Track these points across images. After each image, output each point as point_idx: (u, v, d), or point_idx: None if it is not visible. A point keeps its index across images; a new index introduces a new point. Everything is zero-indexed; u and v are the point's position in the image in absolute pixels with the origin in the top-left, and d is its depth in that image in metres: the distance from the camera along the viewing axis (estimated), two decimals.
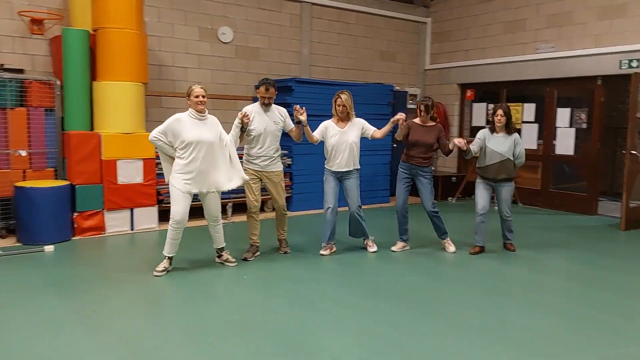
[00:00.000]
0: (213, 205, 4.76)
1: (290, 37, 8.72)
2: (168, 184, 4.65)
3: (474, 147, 5.45)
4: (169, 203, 4.70)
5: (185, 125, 4.52)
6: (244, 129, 4.86)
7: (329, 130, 5.25)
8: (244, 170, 4.93)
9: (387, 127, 5.34)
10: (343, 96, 5.16)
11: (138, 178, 6.22)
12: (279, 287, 4.41)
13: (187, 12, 7.68)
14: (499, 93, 9.36)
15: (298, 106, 4.97)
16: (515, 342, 3.35)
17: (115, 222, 6.13)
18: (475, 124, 9.84)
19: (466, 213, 8.15)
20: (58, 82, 6.00)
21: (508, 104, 9.09)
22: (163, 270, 4.62)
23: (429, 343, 3.31)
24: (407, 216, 5.60)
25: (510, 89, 9.23)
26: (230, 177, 4.72)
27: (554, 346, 3.31)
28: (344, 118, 5.27)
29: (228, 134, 4.80)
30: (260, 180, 5.12)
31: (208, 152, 4.56)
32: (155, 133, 4.57)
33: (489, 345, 3.29)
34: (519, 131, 5.98)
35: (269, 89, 4.96)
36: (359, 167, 5.36)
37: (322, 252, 5.35)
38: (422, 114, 5.40)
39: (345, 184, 5.32)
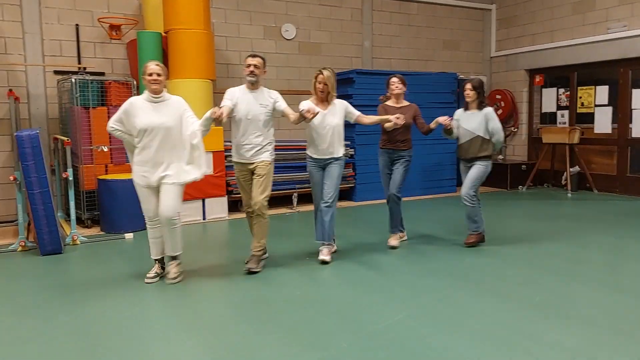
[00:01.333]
0: (167, 201, 3.95)
1: (352, 31, 8.83)
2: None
3: (454, 128, 5.09)
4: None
5: (139, 109, 3.93)
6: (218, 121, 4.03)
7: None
8: (232, 165, 4.46)
9: (377, 118, 4.82)
10: (325, 72, 4.48)
11: (208, 170, 6.55)
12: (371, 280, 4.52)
13: (252, 12, 7.99)
14: (569, 77, 8.99)
15: (307, 109, 4.22)
16: (580, 318, 3.29)
17: (189, 211, 6.50)
18: (545, 109, 9.52)
19: (536, 201, 7.91)
20: (134, 82, 6.45)
21: (580, 87, 8.83)
22: (155, 277, 4.12)
23: (490, 319, 3.31)
24: (400, 203, 5.12)
25: (581, 72, 8.84)
26: (190, 168, 4.06)
27: (621, 322, 3.21)
28: (324, 98, 4.56)
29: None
30: (252, 174, 4.37)
31: (164, 139, 3.92)
32: (111, 122, 4.03)
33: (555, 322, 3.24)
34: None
35: (255, 56, 4.34)
36: (342, 153, 4.67)
37: (321, 256, 4.62)
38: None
39: (329, 171, 4.61)
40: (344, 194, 7.93)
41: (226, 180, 6.77)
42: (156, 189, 4.01)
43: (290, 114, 4.38)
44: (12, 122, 6.23)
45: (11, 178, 5.08)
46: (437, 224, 6.23)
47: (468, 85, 5.01)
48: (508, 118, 9.82)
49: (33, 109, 6.63)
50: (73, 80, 6.08)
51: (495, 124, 4.93)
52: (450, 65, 9.80)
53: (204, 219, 6.62)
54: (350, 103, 7.14)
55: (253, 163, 4.34)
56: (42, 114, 6.68)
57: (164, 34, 6.61)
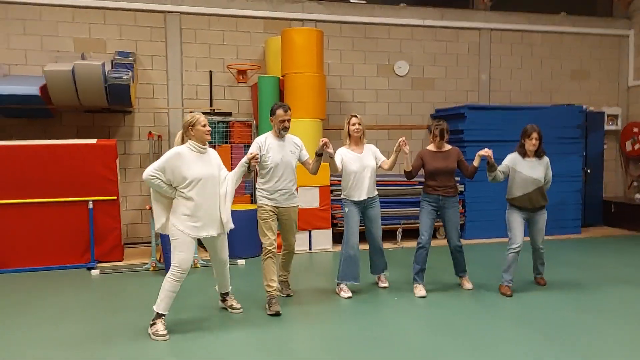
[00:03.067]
0: (224, 248, 4.28)
1: (468, 64, 8.78)
2: (159, 232, 4.17)
3: (499, 171, 4.91)
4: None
5: (188, 160, 3.94)
6: (250, 170, 4.29)
7: (346, 157, 4.88)
8: (259, 207, 4.57)
9: (392, 157, 4.90)
10: (355, 119, 4.88)
11: (315, 203, 6.98)
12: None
13: (366, 52, 8.37)
14: None
15: (326, 140, 4.49)
16: None
17: (297, 241, 6.95)
18: None
19: None
20: (254, 122, 7.14)
21: None
22: (165, 334, 3.92)
23: None
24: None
25: None
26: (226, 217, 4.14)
27: None
28: (358, 142, 4.93)
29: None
30: (277, 216, 4.61)
31: (212, 189, 4.04)
32: (151, 170, 3.89)
33: None
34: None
35: (287, 110, 4.57)
36: (377, 193, 5.02)
37: (344, 294, 4.89)
38: (436, 140, 4.94)
39: (369, 212, 4.94)
40: None
41: (331, 214, 7.14)
42: (196, 240, 4.13)
43: (309, 162, 4.76)
44: (149, 157, 7.22)
45: (147, 207, 5.94)
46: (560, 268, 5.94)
47: (534, 134, 4.83)
48: None
49: (173, 145, 7.65)
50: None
51: (550, 173, 5.03)
52: (579, 96, 9.23)
53: (309, 249, 7.03)
54: (461, 139, 7.21)
55: (285, 207, 4.62)
56: None
57: (281, 77, 7.25)
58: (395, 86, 8.50)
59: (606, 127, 9.15)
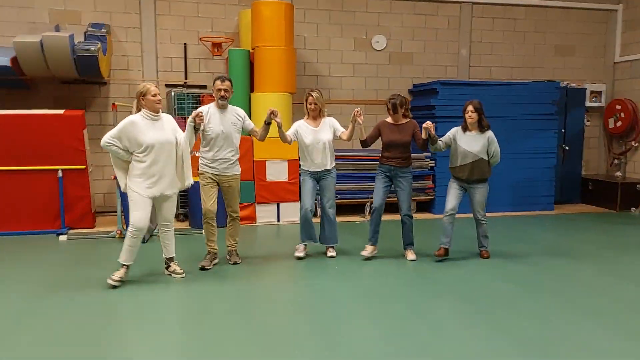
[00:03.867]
0: (170, 209, 4.58)
1: (448, 39, 8.70)
2: (124, 191, 4.48)
3: (440, 141, 5.18)
4: None
5: (142, 127, 4.28)
6: (197, 129, 4.62)
7: (301, 130, 5.20)
8: (200, 174, 4.89)
9: (350, 128, 5.15)
10: (314, 94, 5.15)
11: (283, 177, 7.09)
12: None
13: (343, 25, 8.33)
14: None
15: (274, 109, 4.88)
16: None
17: (265, 213, 7.11)
18: None
19: None
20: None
21: None
22: (119, 280, 4.36)
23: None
24: (380, 219, 5.28)
25: None
26: (180, 178, 4.55)
27: None
28: (316, 116, 5.22)
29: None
30: (218, 184, 4.93)
31: (168, 153, 4.38)
32: (107, 138, 4.27)
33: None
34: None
35: (224, 80, 4.80)
36: (334, 165, 5.28)
37: (297, 253, 5.30)
38: (389, 113, 5.15)
39: (322, 183, 5.24)
40: (423, 206, 7.92)
41: (299, 187, 7.25)
42: (152, 200, 4.40)
43: (256, 130, 5.03)
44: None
45: (112, 177, 6.10)
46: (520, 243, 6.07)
47: (470, 107, 5.03)
48: (628, 131, 8.83)
49: None
50: (172, 93, 7.04)
51: (497, 147, 5.10)
52: (563, 72, 9.11)
53: (278, 220, 7.18)
54: (433, 115, 7.25)
55: (225, 175, 4.90)
56: None
57: (251, 50, 7.29)
58: (372, 61, 8.48)
59: (590, 104, 9.06)
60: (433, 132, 4.96)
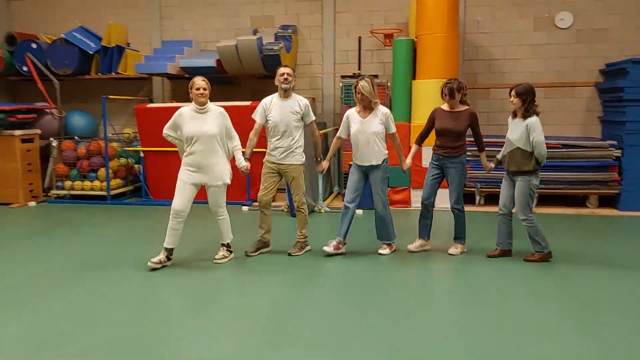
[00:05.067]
0: (215, 201, 4.71)
1: None
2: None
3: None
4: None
5: (186, 118, 4.57)
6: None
7: (350, 120, 4.91)
8: (264, 162, 4.93)
9: (408, 160, 5.10)
10: (361, 82, 4.74)
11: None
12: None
13: (521, 5, 7.86)
14: None
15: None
16: None
17: (419, 198, 7.25)
18: None
19: None
20: (389, 84, 7.58)
21: None
22: (158, 263, 4.57)
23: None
24: (431, 211, 5.06)
25: None
26: (224, 174, 4.68)
27: None
28: (367, 107, 4.84)
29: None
30: (279, 174, 4.94)
31: (207, 146, 4.55)
32: (165, 129, 4.70)
33: None
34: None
35: (286, 66, 4.82)
36: (384, 159, 4.90)
37: (325, 247, 4.94)
38: (446, 98, 4.85)
39: (369, 177, 4.93)
40: (606, 201, 7.05)
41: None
42: (195, 187, 4.64)
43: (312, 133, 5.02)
44: None
45: None
46: None
47: (512, 92, 4.61)
48: None
49: (325, 106, 8.64)
50: (340, 84, 7.70)
51: (537, 137, 4.50)
52: None
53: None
54: (620, 98, 6.58)
55: (284, 165, 4.89)
56: (331, 110, 8.61)
57: (415, 39, 7.47)
58: (555, 40, 7.80)
59: None
60: (490, 169, 5.03)
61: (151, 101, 8.91)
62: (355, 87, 4.82)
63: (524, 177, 4.62)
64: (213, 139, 4.58)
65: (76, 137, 8.32)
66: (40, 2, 9.33)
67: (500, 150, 4.95)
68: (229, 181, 4.74)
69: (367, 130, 4.81)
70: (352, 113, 4.95)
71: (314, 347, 3.17)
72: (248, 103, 7.63)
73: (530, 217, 4.64)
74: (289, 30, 8.22)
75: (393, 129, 4.96)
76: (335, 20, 8.47)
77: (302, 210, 5.02)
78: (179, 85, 8.85)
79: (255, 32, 8.51)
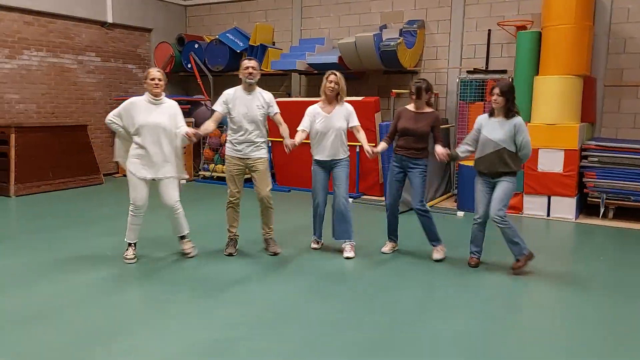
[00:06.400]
0: (168, 194, 4.52)
1: None
2: (116, 159, 4.76)
3: (466, 150, 4.60)
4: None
5: (139, 108, 4.40)
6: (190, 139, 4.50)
7: (315, 116, 4.79)
8: (226, 157, 4.77)
9: (369, 147, 4.75)
10: (338, 73, 4.74)
11: (558, 168, 6.44)
12: None
13: None
14: None
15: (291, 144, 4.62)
16: None
17: (532, 205, 6.67)
18: None
19: None
20: (510, 79, 7.04)
21: None
22: (133, 258, 4.57)
23: None
24: (397, 215, 4.97)
25: None
26: (176, 169, 4.56)
27: None
28: (332, 101, 4.76)
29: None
30: (245, 169, 4.76)
31: (158, 137, 4.40)
32: (110, 116, 4.48)
33: None
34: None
35: (251, 59, 4.63)
36: (347, 154, 4.91)
37: (312, 244, 5.13)
38: (412, 98, 4.68)
39: (334, 173, 4.87)
40: None
41: (582, 181, 6.41)
42: (149, 182, 4.49)
43: (279, 123, 4.75)
44: None
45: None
46: None
47: (496, 90, 4.33)
48: None
49: (448, 102, 8.35)
50: (457, 79, 7.39)
51: (525, 137, 4.34)
52: None
53: (547, 215, 6.60)
54: None
55: (250, 159, 4.70)
56: (453, 107, 8.29)
57: (541, 31, 6.79)
58: None
59: None
60: (444, 159, 4.63)
61: (289, 95, 9.64)
62: (329, 77, 4.75)
63: (511, 177, 4.43)
64: (164, 131, 4.43)
65: (224, 126, 9.43)
66: (209, 7, 10.72)
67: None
68: (186, 176, 4.78)
69: (333, 126, 4.76)
70: (316, 109, 4.84)
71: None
72: (352, 98, 7.75)
73: (505, 218, 4.37)
74: (415, 25, 8.13)
75: (356, 122, 4.89)
76: (464, 13, 8.10)
77: (272, 205, 4.87)
78: (313, 81, 9.41)
79: (382, 28, 8.59)
